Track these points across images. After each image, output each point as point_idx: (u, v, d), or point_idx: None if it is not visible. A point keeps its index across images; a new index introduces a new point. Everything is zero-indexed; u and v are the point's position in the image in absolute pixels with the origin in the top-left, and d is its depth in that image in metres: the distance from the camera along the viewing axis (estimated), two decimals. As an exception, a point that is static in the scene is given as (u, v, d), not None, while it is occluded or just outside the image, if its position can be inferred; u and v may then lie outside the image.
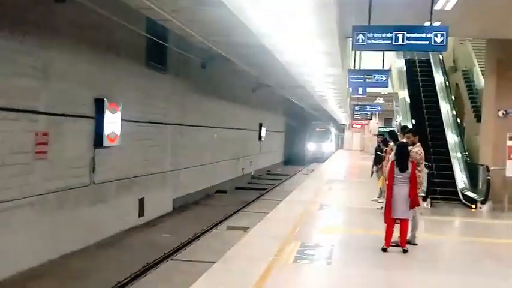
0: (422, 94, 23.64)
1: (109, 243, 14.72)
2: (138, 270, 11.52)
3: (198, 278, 7.51)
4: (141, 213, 17.73)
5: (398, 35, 10.75)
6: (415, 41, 10.72)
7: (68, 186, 13.10)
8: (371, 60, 20.81)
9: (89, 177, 14.26)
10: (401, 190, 9.30)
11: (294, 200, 16.30)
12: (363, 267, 8.52)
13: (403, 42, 10.73)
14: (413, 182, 9.36)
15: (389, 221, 9.34)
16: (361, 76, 16.32)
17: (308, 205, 14.87)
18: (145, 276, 11.33)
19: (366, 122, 52.11)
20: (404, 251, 9.24)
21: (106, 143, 14.62)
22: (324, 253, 9.17)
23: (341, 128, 76.49)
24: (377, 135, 19.68)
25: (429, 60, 25.03)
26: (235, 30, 13.52)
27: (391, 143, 12.79)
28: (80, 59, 13.39)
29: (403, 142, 10.32)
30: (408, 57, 26.17)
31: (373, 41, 10.98)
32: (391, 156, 10.05)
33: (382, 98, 34.02)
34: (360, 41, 10.95)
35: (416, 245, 9.79)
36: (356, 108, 35.73)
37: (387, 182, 9.67)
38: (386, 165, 11.93)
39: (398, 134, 12.79)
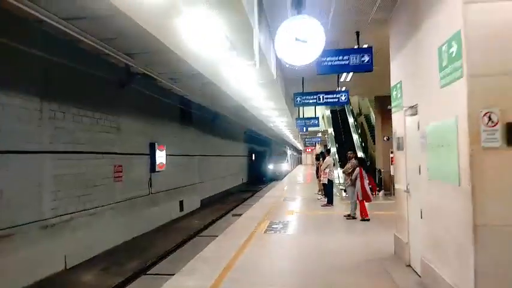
0: (341, 130, 24.24)
1: (161, 229, 14.59)
2: (179, 242, 11.46)
3: (209, 244, 7.57)
4: (181, 209, 17.61)
5: (320, 96, 10.95)
6: (329, 99, 10.93)
7: (135, 196, 13.08)
8: (310, 111, 21.13)
9: (148, 190, 14.23)
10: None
11: (270, 195, 16.06)
12: (306, 234, 8.40)
13: (322, 100, 10.94)
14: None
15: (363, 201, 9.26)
16: (303, 121, 16.48)
17: (277, 198, 14.71)
18: (183, 245, 11.24)
19: (313, 147, 49.18)
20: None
21: (157, 169, 14.62)
22: (283, 226, 9.01)
23: (299, 151, 70.27)
24: (315, 157, 19.96)
25: (344, 109, 25.57)
26: (227, 99, 13.51)
27: (321, 159, 12.88)
28: (139, 120, 13.52)
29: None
30: (333, 109, 26.78)
31: (305, 101, 11.11)
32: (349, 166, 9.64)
33: (320, 133, 34.58)
34: (298, 101, 11.16)
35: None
36: (306, 139, 36.39)
37: (360, 179, 9.24)
38: (322, 171, 12.04)
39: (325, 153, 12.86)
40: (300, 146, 57.70)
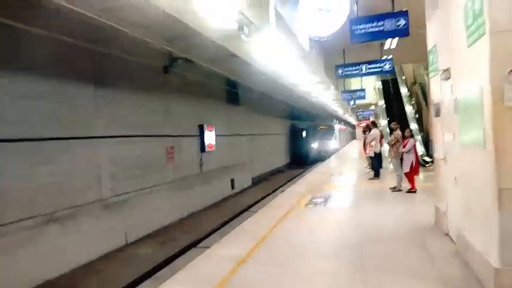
0: (393, 101, 23.19)
1: (214, 206, 15.28)
2: (229, 218, 11.95)
3: (249, 218, 7.89)
4: (232, 187, 18.23)
5: (362, 66, 10.67)
6: (372, 69, 10.59)
7: (187, 175, 13.79)
8: (357, 83, 20.58)
9: (199, 169, 14.91)
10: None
11: (317, 171, 16.01)
12: (346, 207, 8.38)
13: (365, 70, 10.64)
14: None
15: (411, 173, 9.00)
16: (349, 94, 16.09)
17: (324, 174, 14.61)
18: (232, 220, 11.68)
19: (366, 121, 47.81)
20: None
21: (207, 149, 15.21)
22: (324, 200, 9.03)
23: (353, 126, 64.85)
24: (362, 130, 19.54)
25: (396, 79, 24.31)
26: (275, 83, 13.54)
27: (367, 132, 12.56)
28: (187, 103, 14.09)
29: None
30: (384, 79, 25.60)
31: (348, 72, 10.88)
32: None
33: (373, 106, 33.22)
34: (340, 72, 10.94)
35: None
36: (358, 113, 35.24)
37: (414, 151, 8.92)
38: (368, 144, 11.81)
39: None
40: (353, 121, 55.21)
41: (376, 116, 35.21)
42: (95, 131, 9.43)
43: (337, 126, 34.49)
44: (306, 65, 9.14)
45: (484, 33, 3.56)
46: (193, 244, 9.87)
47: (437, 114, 5.83)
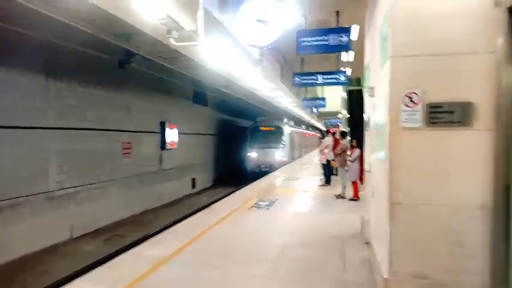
0: (356, 111, 23.86)
1: (171, 204, 15.26)
2: (182, 216, 11.91)
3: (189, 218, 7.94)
4: (193, 186, 18.24)
5: (318, 76, 10.87)
6: (328, 79, 10.81)
7: (144, 172, 13.71)
8: (329, 91, 21.59)
9: (158, 166, 14.86)
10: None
11: (275, 175, 16.02)
12: (287, 211, 8.49)
13: (321, 81, 10.85)
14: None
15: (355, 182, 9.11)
16: (309, 101, 16.44)
17: (278, 178, 14.73)
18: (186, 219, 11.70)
19: (336, 128, 45.24)
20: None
21: (168, 147, 15.18)
22: (269, 204, 9.15)
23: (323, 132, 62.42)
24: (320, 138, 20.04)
25: (361, 90, 24.85)
26: (234, 86, 13.41)
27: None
28: (149, 100, 14.00)
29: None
30: (350, 89, 26.15)
31: (304, 81, 10.94)
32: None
33: (340, 114, 33.57)
34: (297, 80, 11.08)
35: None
36: (326, 121, 35.66)
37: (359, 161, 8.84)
38: (322, 150, 12.08)
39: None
40: (323, 128, 53.86)
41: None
42: (45, 121, 9.29)
43: (290, 129, 23.09)
44: (260, 71, 9.27)
45: (388, 57, 3.78)
46: (140, 241, 9.85)
47: (366, 128, 6.10)
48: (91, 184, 10.87)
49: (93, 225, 10.91)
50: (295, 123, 27.76)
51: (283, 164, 21.02)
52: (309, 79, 10.94)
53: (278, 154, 21.78)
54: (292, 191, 11.61)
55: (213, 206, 9.44)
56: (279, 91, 13.77)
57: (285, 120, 23.58)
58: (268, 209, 8.60)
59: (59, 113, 9.69)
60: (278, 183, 13.23)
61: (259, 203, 9.17)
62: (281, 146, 21.99)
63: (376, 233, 4.59)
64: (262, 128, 22.46)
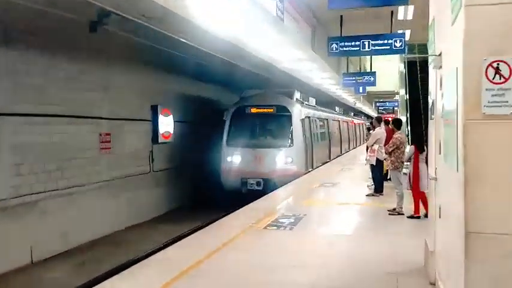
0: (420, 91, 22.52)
1: (167, 216, 15.09)
2: (183, 234, 11.49)
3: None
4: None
5: (365, 42, 10.45)
6: (378, 46, 10.38)
7: (130, 173, 13.56)
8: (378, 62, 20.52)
9: (149, 166, 14.69)
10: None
11: (302, 180, 15.37)
12: (317, 233, 8.18)
13: (368, 48, 10.43)
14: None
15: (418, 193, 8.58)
16: (353, 78, 15.97)
17: (313, 183, 14.27)
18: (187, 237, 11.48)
19: (391, 114, 39.35)
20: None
21: (161, 140, 15.00)
22: (294, 221, 8.77)
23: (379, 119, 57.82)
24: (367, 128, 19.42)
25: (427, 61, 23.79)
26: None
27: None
28: (136, 76, 13.80)
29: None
30: (412, 60, 25.19)
31: (344, 48, 10.75)
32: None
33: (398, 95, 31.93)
34: (334, 48, 10.78)
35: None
36: (378, 104, 34.46)
37: (414, 161, 8.49)
38: (370, 148, 11.60)
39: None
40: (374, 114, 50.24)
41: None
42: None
43: (307, 112, 17.67)
44: (280, 35, 8.85)
45: (460, 6, 3.30)
46: (122, 268, 9.67)
47: (431, 116, 5.59)
48: (57, 190, 10.75)
49: (61, 245, 10.80)
50: (322, 105, 23.56)
51: (293, 176, 14.95)
52: (351, 46, 10.64)
53: (282, 159, 15.29)
54: (327, 202, 11.22)
55: (220, 221, 9.14)
56: (309, 62, 13.30)
57: (297, 95, 17.39)
58: (292, 228, 8.25)
59: (12, 94, 9.56)
60: (307, 191, 12.77)
61: (281, 220, 8.84)
62: (288, 143, 15.68)
63: (445, 271, 4.14)
64: (252, 110, 16.07)
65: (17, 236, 9.71)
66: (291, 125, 15.72)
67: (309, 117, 17.52)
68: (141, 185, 14.05)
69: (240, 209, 10.21)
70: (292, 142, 15.65)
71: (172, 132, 15.51)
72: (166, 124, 15.16)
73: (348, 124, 30.06)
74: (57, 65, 10.71)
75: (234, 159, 15.43)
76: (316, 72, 16.03)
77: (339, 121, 26.25)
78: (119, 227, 12.81)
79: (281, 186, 13.74)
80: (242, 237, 7.68)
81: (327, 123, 22.02)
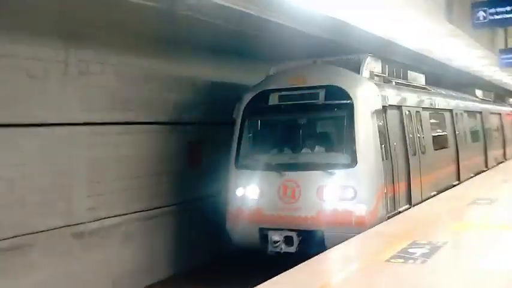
0: None
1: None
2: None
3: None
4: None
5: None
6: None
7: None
8: None
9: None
10: None
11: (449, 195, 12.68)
12: (466, 270, 6.22)
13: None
14: None
15: None
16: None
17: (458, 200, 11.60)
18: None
19: None
20: None
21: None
22: (429, 251, 6.82)
23: None
24: None
25: None
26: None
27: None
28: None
29: None
30: None
31: (499, 15, 8.80)
32: None
33: None
34: (481, 18, 8.90)
35: None
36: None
37: None
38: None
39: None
40: None
41: None
42: (59, 115, 8.51)
43: (399, 97, 11.21)
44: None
45: None
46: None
47: None
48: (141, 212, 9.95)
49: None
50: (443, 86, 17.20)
51: (359, 226, 8.61)
52: (505, 13, 8.57)
53: (335, 192, 8.95)
54: (481, 225, 8.98)
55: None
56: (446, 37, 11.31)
57: (371, 66, 10.45)
58: (424, 262, 6.29)
59: (85, 100, 8.87)
60: (451, 210, 10.54)
61: (410, 250, 6.85)
62: (346, 160, 9.18)
63: None
64: (280, 99, 9.80)
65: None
66: (353, 124, 9.13)
67: (400, 106, 11.00)
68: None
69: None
70: (355, 158, 8.99)
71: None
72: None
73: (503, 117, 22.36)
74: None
75: (247, 192, 9.49)
76: (460, 48, 13.73)
77: (492, 113, 19.74)
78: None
79: (334, 244, 7.62)
80: (351, 275, 6.11)
81: (457, 116, 15.36)
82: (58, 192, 8.29)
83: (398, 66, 12.64)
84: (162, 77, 10.58)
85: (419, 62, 15.64)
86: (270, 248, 9.00)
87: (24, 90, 7.81)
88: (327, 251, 7.56)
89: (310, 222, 8.88)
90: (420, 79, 14.37)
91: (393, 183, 9.83)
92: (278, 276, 6.05)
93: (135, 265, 9.71)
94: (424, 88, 13.88)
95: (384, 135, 9.70)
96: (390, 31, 11.04)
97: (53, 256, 8.11)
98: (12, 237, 7.47)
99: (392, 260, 6.34)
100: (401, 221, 9.43)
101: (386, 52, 13.09)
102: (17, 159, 7.67)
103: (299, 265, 6.58)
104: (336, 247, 7.57)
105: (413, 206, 10.53)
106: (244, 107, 9.88)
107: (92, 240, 8.83)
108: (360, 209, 8.73)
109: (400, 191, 10.15)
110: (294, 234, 8.88)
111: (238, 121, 9.89)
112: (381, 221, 8.92)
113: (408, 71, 13.31)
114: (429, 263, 6.21)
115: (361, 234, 8.26)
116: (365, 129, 9.11)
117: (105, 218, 9.08)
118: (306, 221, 8.91)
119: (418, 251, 6.67)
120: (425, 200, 11.24)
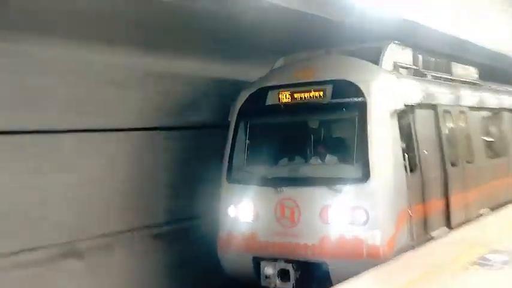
0: None
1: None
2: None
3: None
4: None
5: None
6: None
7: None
8: None
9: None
10: None
11: None
12: None
13: None
14: None
15: None
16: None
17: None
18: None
19: None
20: None
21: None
22: (508, 259, 6.65)
23: None
24: None
25: None
26: None
27: None
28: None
29: None
30: None
31: None
32: None
33: None
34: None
35: None
36: None
37: None
38: None
39: None
40: None
41: None
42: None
43: (421, 91, 8.50)
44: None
45: None
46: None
47: None
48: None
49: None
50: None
51: (372, 259, 6.80)
52: None
53: (343, 215, 7.28)
54: None
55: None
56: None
57: (395, 55, 8.75)
58: (502, 268, 6.26)
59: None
60: None
61: (488, 256, 6.76)
62: (357, 173, 7.41)
63: None
64: (281, 97, 8.10)
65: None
66: (366, 127, 7.37)
67: (435, 106, 9.15)
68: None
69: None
70: (367, 170, 7.27)
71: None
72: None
73: None
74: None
75: (240, 212, 7.98)
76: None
77: None
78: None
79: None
80: (429, 282, 5.86)
81: None
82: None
83: (437, 57, 10.76)
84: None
85: (464, 52, 13.30)
86: (263, 283, 7.61)
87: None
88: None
89: (311, 252, 7.32)
90: (471, 73, 12.40)
91: (423, 201, 8.08)
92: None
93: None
94: (475, 84, 12.13)
95: (409, 141, 7.93)
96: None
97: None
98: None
99: (473, 266, 6.32)
100: (476, 226, 9.27)
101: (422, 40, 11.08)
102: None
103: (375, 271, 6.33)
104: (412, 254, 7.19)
105: (454, 228, 8.77)
106: (239, 108, 8.37)
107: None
108: (374, 237, 7.03)
109: (434, 211, 8.40)
110: (290, 267, 7.39)
111: (232, 125, 8.40)
112: (402, 252, 7.17)
113: (452, 63, 11.36)
114: (506, 269, 6.19)
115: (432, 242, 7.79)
116: (381, 133, 7.41)
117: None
118: (306, 251, 7.34)
119: (497, 259, 6.61)
120: (471, 220, 9.47)
